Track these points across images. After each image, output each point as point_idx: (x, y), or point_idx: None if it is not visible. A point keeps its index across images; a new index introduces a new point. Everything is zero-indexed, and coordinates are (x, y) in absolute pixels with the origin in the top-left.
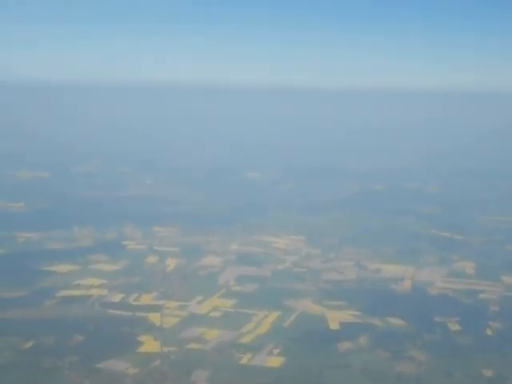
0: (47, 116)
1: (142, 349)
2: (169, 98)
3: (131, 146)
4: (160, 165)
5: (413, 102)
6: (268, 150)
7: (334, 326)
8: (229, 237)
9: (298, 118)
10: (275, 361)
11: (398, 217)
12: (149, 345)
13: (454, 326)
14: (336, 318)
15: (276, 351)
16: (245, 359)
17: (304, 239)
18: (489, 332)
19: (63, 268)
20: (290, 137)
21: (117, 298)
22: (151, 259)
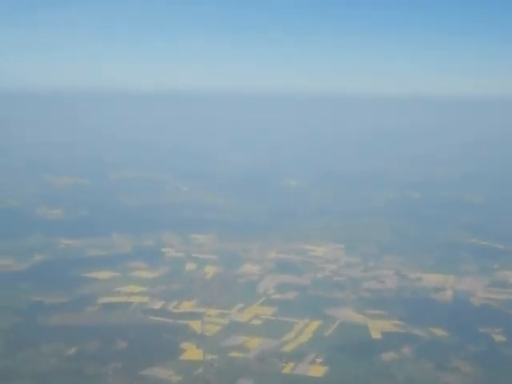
0: (75, 124)
1: (185, 356)
2: (193, 106)
3: (165, 153)
4: (195, 172)
5: (432, 109)
6: (303, 156)
7: (376, 335)
8: (267, 244)
9: (327, 124)
10: (318, 370)
11: (436, 225)
12: (191, 352)
13: (499, 337)
14: (378, 327)
15: (319, 360)
16: (287, 368)
17: (343, 247)
18: None
19: (104, 275)
20: (322, 144)
21: (157, 305)
22: (190, 266)
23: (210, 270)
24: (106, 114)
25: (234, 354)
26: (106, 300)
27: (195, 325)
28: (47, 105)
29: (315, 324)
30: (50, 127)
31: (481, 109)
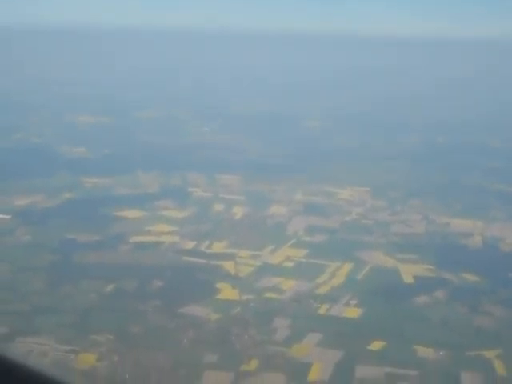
0: (87, 61)
1: (221, 296)
2: (191, 44)
3: (183, 92)
4: (215, 112)
5: (455, 52)
6: (323, 98)
7: (408, 279)
8: (293, 186)
9: (338, 63)
10: (353, 312)
11: (462, 170)
12: (227, 292)
13: None
14: (409, 271)
15: (353, 302)
16: (322, 309)
17: (369, 190)
18: None
19: (133, 213)
20: (342, 85)
21: (189, 245)
22: (218, 207)
23: (238, 211)
24: (112, 51)
25: (268, 294)
26: (137, 239)
27: (228, 265)
28: (51, 42)
29: (347, 267)
30: (63, 65)
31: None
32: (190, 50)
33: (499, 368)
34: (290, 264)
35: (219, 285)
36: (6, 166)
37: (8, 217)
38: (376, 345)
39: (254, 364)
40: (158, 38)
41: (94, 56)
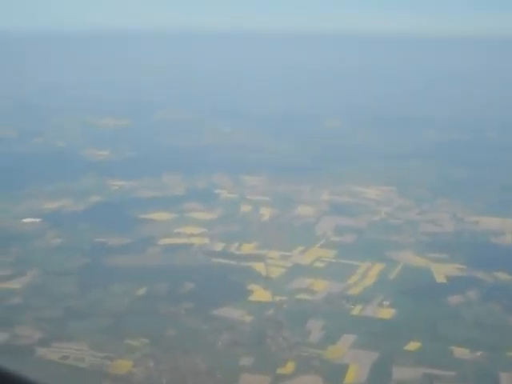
0: (99, 64)
1: (253, 297)
2: (220, 44)
3: (200, 93)
4: (236, 113)
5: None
6: (343, 97)
7: (440, 279)
8: (318, 186)
9: (358, 63)
10: (387, 312)
11: (486, 168)
12: (259, 294)
13: None
14: (441, 270)
15: (386, 303)
16: (356, 310)
17: (395, 190)
18: None
19: (161, 216)
20: (359, 84)
21: (218, 246)
22: (245, 208)
23: (265, 212)
24: (120, 54)
25: (301, 296)
26: (166, 241)
27: (259, 267)
28: (67, 45)
29: (378, 267)
30: (78, 68)
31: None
32: (208, 50)
33: None
34: (320, 265)
35: (251, 286)
36: (31, 170)
37: (38, 220)
38: (412, 345)
39: (290, 367)
40: (175, 39)
41: (108, 59)
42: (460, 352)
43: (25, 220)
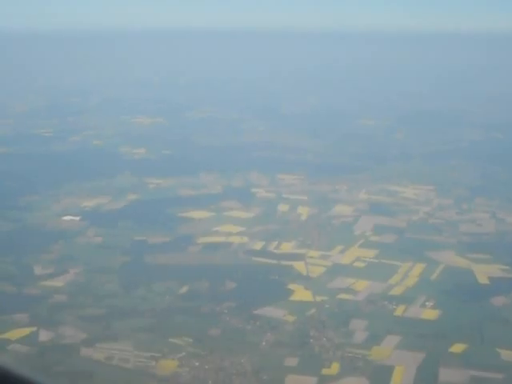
0: (131, 63)
1: (295, 297)
2: (254, 43)
3: (234, 91)
4: (269, 111)
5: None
6: (375, 95)
7: (482, 279)
8: (355, 185)
9: (385, 62)
10: (430, 313)
11: None
12: (300, 293)
13: None
14: (483, 271)
15: (429, 304)
16: (399, 311)
17: (433, 189)
18: None
19: (199, 214)
20: (389, 81)
21: (258, 245)
22: (283, 207)
23: (303, 211)
24: (151, 54)
25: (342, 295)
26: (206, 240)
27: (299, 266)
28: (95, 44)
29: (419, 267)
30: (104, 67)
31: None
32: (240, 48)
33: None
34: (361, 264)
35: (292, 286)
36: (69, 168)
37: (77, 218)
38: (457, 347)
39: (335, 367)
40: (205, 38)
41: (139, 58)
42: (507, 354)
43: (65, 218)
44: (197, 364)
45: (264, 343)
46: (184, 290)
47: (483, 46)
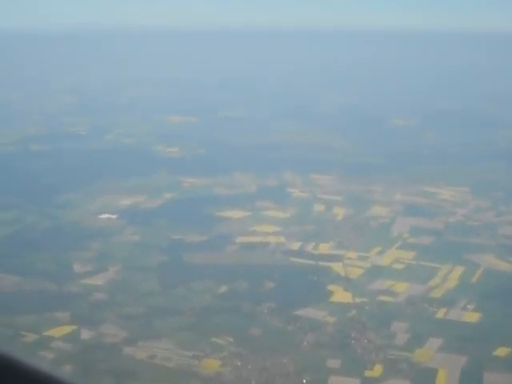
0: (155, 62)
1: (334, 298)
2: (283, 43)
3: (262, 92)
4: (299, 111)
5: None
6: (403, 94)
7: None
8: (390, 186)
9: (410, 61)
10: (472, 316)
11: None
12: (340, 295)
13: None
14: None
15: (470, 307)
16: (440, 313)
17: (469, 191)
18: None
19: (235, 214)
20: (417, 80)
21: (295, 246)
22: (318, 207)
23: (339, 212)
24: (182, 53)
25: (382, 297)
26: (243, 239)
27: (337, 267)
28: (128, 43)
29: (459, 270)
30: (131, 66)
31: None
32: (269, 48)
33: None
34: (399, 266)
35: (331, 287)
36: (104, 166)
37: (114, 216)
38: (501, 351)
39: (378, 369)
40: (238, 38)
41: (170, 57)
42: None
43: (102, 216)
44: (239, 364)
45: (305, 344)
46: (223, 289)
47: (489, 45)
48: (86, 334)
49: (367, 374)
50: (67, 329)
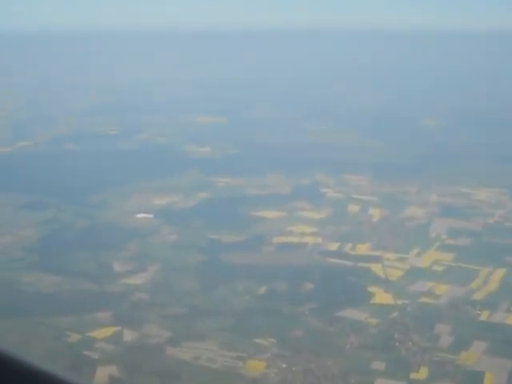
0: (176, 62)
1: (376, 300)
2: (310, 42)
3: (286, 92)
4: (328, 110)
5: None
6: (431, 93)
7: None
8: (424, 187)
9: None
10: None
11: None
12: (380, 296)
13: None
14: None
15: None
16: (483, 316)
17: (505, 192)
18: None
19: (271, 214)
20: (442, 79)
21: (333, 246)
22: (353, 208)
23: (374, 213)
24: (210, 52)
25: (424, 299)
26: (280, 240)
27: (376, 268)
28: (151, 43)
29: (500, 272)
30: (161, 66)
31: None
32: (297, 47)
33: None
34: (439, 268)
35: (371, 288)
36: (137, 166)
37: (150, 216)
38: None
39: (424, 372)
40: (265, 37)
41: (196, 57)
42: None
43: (138, 216)
44: (284, 366)
45: (348, 346)
46: (263, 290)
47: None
48: (128, 335)
49: (413, 376)
50: (110, 330)
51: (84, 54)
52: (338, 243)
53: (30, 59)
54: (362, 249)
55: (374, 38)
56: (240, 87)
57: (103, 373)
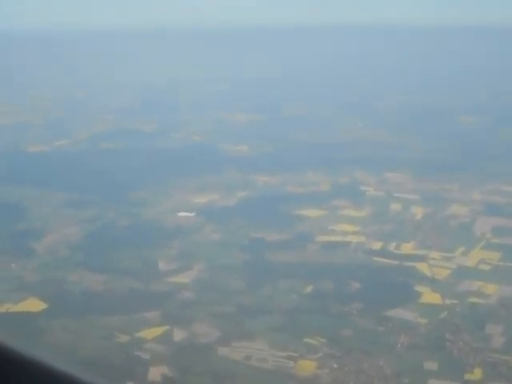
0: (226, 60)
1: (424, 299)
2: (343, 39)
3: (320, 88)
4: (362, 108)
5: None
6: (472, 91)
7: None
8: (466, 184)
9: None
10: None
11: None
12: (429, 296)
13: None
14: None
15: None
16: None
17: None
18: None
19: (312, 212)
20: (490, 76)
21: (376, 245)
22: (395, 206)
23: (417, 211)
24: (242, 50)
25: (473, 299)
26: (323, 238)
27: (422, 267)
28: (187, 41)
29: None
30: (197, 64)
31: None
32: (329, 43)
33: None
34: (486, 267)
35: (418, 288)
36: (175, 164)
37: (192, 214)
38: None
39: (478, 373)
40: (294, 34)
41: (232, 55)
42: None
43: (180, 214)
44: (335, 366)
45: (399, 345)
46: (309, 289)
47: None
48: (178, 335)
49: (467, 377)
50: (159, 330)
51: (119, 52)
52: (382, 242)
53: (67, 58)
54: (407, 248)
55: (391, 33)
56: (274, 85)
57: (155, 373)
